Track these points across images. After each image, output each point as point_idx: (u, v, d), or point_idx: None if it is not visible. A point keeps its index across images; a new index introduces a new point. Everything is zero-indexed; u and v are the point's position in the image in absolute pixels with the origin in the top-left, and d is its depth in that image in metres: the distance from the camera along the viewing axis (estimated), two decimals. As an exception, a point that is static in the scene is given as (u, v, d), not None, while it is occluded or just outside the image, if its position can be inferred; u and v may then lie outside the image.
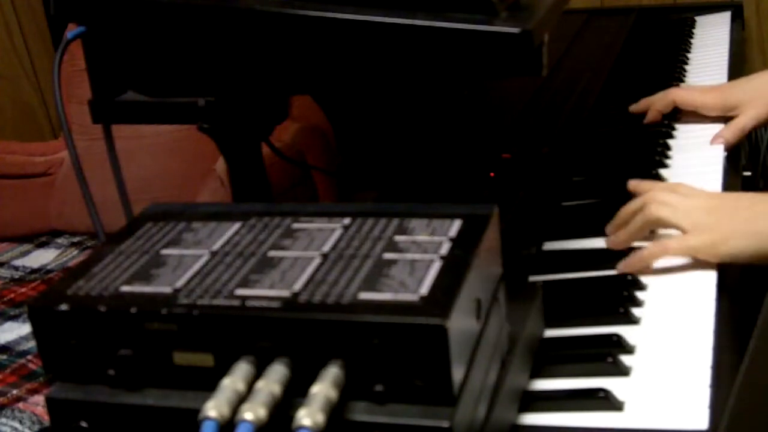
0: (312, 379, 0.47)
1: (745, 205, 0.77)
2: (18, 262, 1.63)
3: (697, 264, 0.77)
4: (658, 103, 1.09)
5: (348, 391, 0.47)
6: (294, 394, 0.47)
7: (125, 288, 0.52)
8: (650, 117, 1.09)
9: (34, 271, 1.59)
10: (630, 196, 0.92)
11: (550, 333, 0.70)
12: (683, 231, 0.77)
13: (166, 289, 0.52)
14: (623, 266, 0.77)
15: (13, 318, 1.42)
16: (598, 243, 0.84)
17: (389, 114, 1.12)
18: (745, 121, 1.02)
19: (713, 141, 1.01)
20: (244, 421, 0.44)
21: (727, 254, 0.74)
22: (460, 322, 0.48)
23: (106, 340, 0.51)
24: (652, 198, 0.80)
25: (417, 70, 0.65)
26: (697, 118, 1.07)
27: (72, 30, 0.73)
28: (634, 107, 1.12)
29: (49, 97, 2.09)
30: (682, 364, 0.64)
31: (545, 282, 0.71)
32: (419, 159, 1.03)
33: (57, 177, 1.73)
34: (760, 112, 1.02)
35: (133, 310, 0.50)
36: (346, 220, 0.58)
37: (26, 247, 1.69)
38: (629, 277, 0.75)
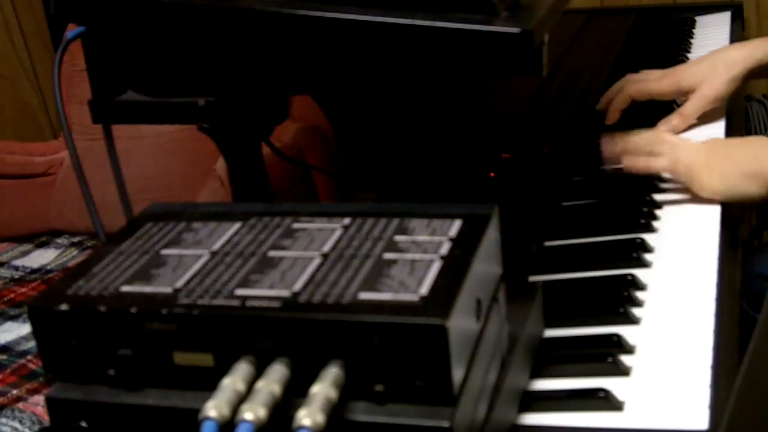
0: (312, 379, 0.47)
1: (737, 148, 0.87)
2: (18, 262, 1.63)
3: (698, 264, 0.77)
4: (616, 101, 1.09)
5: (348, 391, 0.47)
6: (294, 394, 0.47)
7: (125, 288, 0.52)
8: (611, 118, 1.09)
9: (34, 271, 1.59)
10: (627, 196, 0.92)
11: (550, 333, 0.70)
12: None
13: (166, 289, 0.52)
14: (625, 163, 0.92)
15: (13, 318, 1.42)
16: (598, 243, 0.84)
17: (389, 114, 1.12)
18: (689, 110, 1.05)
19: (665, 128, 1.05)
20: (244, 421, 0.44)
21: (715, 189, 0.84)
22: (460, 322, 0.48)
23: (106, 340, 0.51)
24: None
25: (417, 70, 0.65)
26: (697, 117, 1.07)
27: (72, 30, 0.73)
28: (599, 106, 1.12)
29: (49, 97, 2.09)
30: (682, 364, 0.64)
31: (545, 282, 0.71)
32: (419, 159, 1.03)
33: (57, 177, 1.73)
34: (709, 93, 1.04)
35: (133, 310, 0.50)
36: (346, 220, 0.58)
37: (26, 247, 1.69)
38: (629, 277, 0.75)
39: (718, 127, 1.05)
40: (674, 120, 1.05)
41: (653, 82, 1.08)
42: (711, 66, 1.05)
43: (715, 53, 1.07)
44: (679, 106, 1.08)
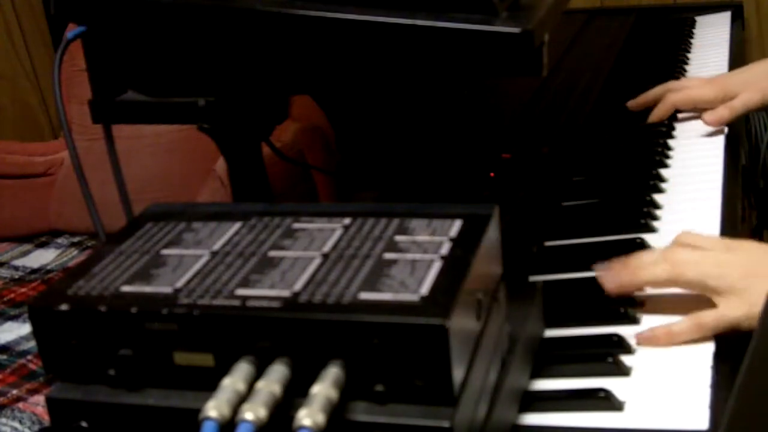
0: (312, 379, 0.47)
1: None
2: (18, 262, 1.63)
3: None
4: (659, 110, 1.09)
5: (348, 391, 0.47)
6: (294, 394, 0.47)
7: (125, 288, 0.52)
8: (655, 119, 1.10)
9: (34, 271, 1.59)
10: (627, 196, 0.92)
11: (550, 333, 0.70)
12: (715, 293, 0.67)
13: (167, 289, 0.52)
14: (644, 339, 0.67)
15: (13, 318, 1.42)
16: (598, 243, 0.84)
17: (389, 114, 1.12)
18: (737, 104, 1.04)
19: (710, 122, 1.04)
20: (245, 421, 0.44)
21: None
22: (461, 322, 0.48)
23: (106, 340, 0.51)
24: (673, 259, 0.70)
25: (417, 70, 0.65)
26: (697, 117, 1.07)
27: (72, 30, 0.73)
28: (633, 104, 1.12)
29: (49, 97, 2.09)
30: (682, 364, 0.64)
31: (545, 282, 0.71)
32: (419, 159, 1.03)
33: (57, 177, 1.73)
34: (753, 97, 1.03)
35: (134, 310, 0.50)
36: (346, 220, 0.58)
37: (26, 247, 1.69)
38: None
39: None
40: (721, 110, 1.04)
41: (696, 89, 1.09)
42: (763, 74, 1.05)
43: (758, 64, 1.08)
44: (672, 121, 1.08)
